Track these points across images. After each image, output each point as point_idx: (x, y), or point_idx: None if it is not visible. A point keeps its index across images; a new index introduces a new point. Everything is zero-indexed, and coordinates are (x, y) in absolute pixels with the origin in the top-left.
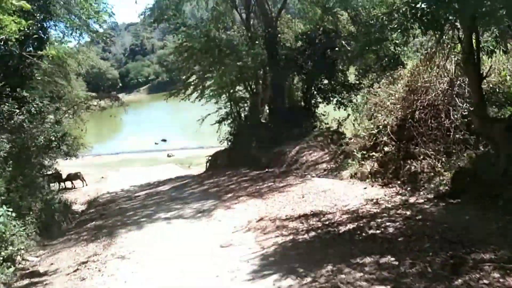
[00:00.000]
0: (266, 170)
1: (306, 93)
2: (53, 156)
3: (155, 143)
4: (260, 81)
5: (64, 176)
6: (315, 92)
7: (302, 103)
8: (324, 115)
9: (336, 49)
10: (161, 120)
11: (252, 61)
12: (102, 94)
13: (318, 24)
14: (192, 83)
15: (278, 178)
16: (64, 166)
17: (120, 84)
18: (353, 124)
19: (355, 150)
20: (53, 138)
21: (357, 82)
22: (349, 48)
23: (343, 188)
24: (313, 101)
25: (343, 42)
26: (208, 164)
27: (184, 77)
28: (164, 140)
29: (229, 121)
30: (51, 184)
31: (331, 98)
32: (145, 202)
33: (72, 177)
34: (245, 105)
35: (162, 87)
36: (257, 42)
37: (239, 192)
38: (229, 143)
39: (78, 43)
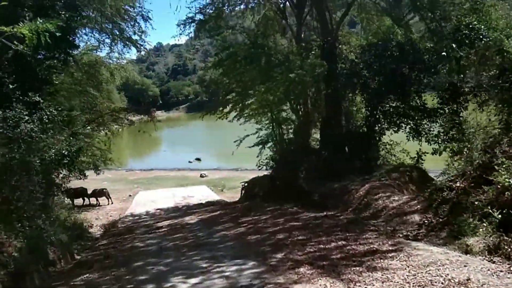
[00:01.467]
0: (325, 214)
1: (369, 116)
2: (65, 174)
3: (189, 161)
4: (312, 100)
5: (89, 192)
6: (380, 116)
7: (364, 129)
8: (390, 144)
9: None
10: (197, 138)
11: (307, 74)
12: (133, 107)
13: (385, 35)
14: (232, 100)
15: (350, 233)
16: (93, 180)
17: (160, 102)
18: (450, 157)
19: (478, 202)
20: (66, 153)
21: (438, 107)
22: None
23: (496, 280)
24: (377, 127)
25: (425, 58)
26: (243, 191)
27: (223, 92)
28: (198, 159)
29: (269, 144)
30: (75, 200)
31: (402, 125)
32: (164, 242)
33: (97, 193)
34: (289, 127)
35: (201, 106)
36: (313, 52)
37: (294, 251)
38: (270, 170)
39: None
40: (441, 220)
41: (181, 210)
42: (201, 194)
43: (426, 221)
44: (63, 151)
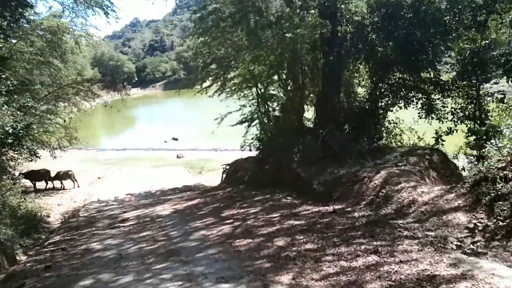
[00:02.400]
0: (333, 209)
1: (374, 89)
2: (12, 156)
3: (165, 141)
4: (308, 70)
5: (52, 174)
6: (387, 89)
7: (367, 104)
8: (396, 123)
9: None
10: (174, 117)
11: (305, 36)
12: (98, 79)
13: None
14: (212, 73)
15: (377, 241)
16: (61, 161)
17: (136, 79)
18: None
19: None
20: (10, 130)
21: (453, 79)
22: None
23: None
24: (382, 102)
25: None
26: (224, 174)
27: (201, 63)
28: (175, 139)
29: (254, 123)
30: (37, 183)
31: (414, 100)
32: (127, 244)
33: (62, 176)
34: (278, 104)
35: (178, 83)
36: (311, 11)
37: (305, 272)
38: (256, 152)
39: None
40: (501, 223)
41: (154, 196)
42: (177, 176)
43: (478, 224)
44: (7, 128)
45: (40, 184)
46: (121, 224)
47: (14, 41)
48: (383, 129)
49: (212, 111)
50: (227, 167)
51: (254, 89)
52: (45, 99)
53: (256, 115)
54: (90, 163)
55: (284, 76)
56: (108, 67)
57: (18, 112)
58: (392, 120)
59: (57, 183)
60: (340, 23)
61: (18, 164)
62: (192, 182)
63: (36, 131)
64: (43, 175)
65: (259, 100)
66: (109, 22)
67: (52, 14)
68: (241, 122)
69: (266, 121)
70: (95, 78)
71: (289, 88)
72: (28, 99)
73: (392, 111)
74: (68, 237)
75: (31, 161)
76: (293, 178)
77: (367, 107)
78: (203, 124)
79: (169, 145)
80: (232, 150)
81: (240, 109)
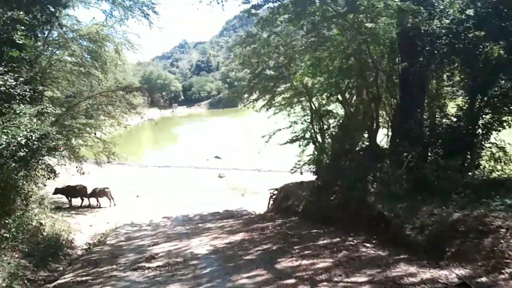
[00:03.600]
0: (459, 279)
1: (471, 103)
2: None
3: (207, 160)
4: (383, 79)
5: (89, 191)
6: (489, 103)
7: (461, 123)
8: (502, 146)
9: None
10: (217, 135)
11: (390, 27)
12: (132, 87)
13: None
14: (260, 86)
15: None
16: (99, 177)
17: (182, 97)
18: None
19: None
20: (23, 142)
21: None
22: None
23: None
24: (482, 120)
25: None
26: (271, 200)
27: (249, 74)
28: (217, 157)
29: (305, 142)
30: (73, 200)
31: None
32: None
33: (98, 193)
34: (332, 121)
35: (223, 103)
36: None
37: None
38: (314, 175)
39: None
40: None
41: (192, 222)
42: (218, 198)
43: None
44: (19, 139)
45: (76, 201)
46: (147, 265)
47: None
48: (482, 154)
49: (257, 130)
50: (275, 191)
51: (305, 104)
52: (84, 112)
53: (309, 134)
54: (130, 180)
55: (347, 86)
56: (156, 86)
57: (34, 120)
58: (496, 142)
59: (93, 201)
60: (431, 15)
61: (34, 182)
62: (234, 206)
63: (54, 143)
64: (79, 191)
65: (313, 116)
66: (150, 26)
67: (94, 23)
68: (291, 141)
69: (320, 140)
70: (131, 86)
71: (353, 101)
72: (48, 104)
73: (497, 130)
74: (82, 276)
75: (49, 178)
76: (370, 216)
77: (462, 125)
78: (246, 144)
79: (211, 164)
80: (277, 171)
81: (290, 126)
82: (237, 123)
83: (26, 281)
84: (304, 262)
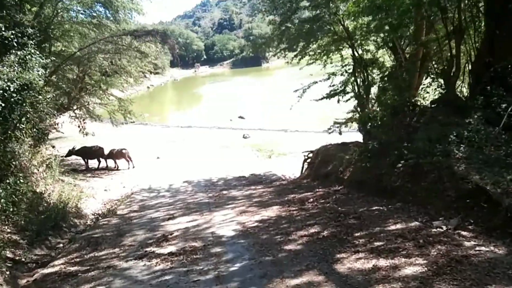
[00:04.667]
0: None
1: None
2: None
3: (230, 120)
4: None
5: (106, 152)
6: None
7: None
8: None
9: None
10: (240, 95)
11: None
12: (137, 32)
13: None
14: (294, 31)
15: None
16: (119, 137)
17: (205, 57)
18: None
19: None
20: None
21: None
22: None
23: None
24: None
25: None
26: (306, 164)
27: (280, 16)
28: (241, 117)
29: (346, 96)
30: (90, 161)
31: None
32: None
33: (115, 154)
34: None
35: (246, 62)
36: None
37: None
38: (367, 138)
39: None
40: None
41: (214, 189)
42: (244, 160)
43: None
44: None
45: (92, 163)
46: (156, 250)
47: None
48: None
49: (282, 89)
50: (310, 154)
51: (345, 51)
52: (98, 68)
53: (351, 87)
54: (152, 140)
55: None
56: (177, 44)
57: (16, 69)
58: None
59: (111, 162)
60: None
61: (20, 146)
62: (261, 169)
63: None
64: (95, 152)
65: (356, 66)
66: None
67: None
68: (329, 96)
69: (363, 94)
70: (140, 30)
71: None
72: (34, 50)
73: None
74: (74, 265)
75: (38, 140)
76: (461, 190)
77: None
78: (271, 103)
79: (235, 124)
80: (305, 131)
81: (328, 78)
82: (261, 82)
83: (10, 264)
84: (380, 263)
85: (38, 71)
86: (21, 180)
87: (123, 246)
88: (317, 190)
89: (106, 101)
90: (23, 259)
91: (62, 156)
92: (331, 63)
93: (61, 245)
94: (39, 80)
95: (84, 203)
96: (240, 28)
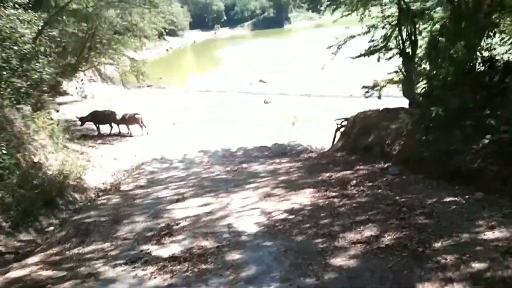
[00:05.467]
0: None
1: None
2: None
3: (250, 84)
4: None
5: (118, 117)
6: None
7: None
8: None
9: None
10: (261, 58)
11: None
12: None
13: None
14: None
15: None
16: (136, 100)
17: (225, 18)
18: None
19: None
20: None
21: None
22: None
23: None
24: None
25: None
26: (338, 134)
27: None
28: (262, 81)
29: (390, 54)
30: (102, 127)
31: None
32: None
33: (128, 119)
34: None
35: (267, 24)
36: None
37: None
38: (421, 104)
39: None
40: None
41: (233, 161)
42: (265, 127)
43: None
44: None
45: (105, 128)
46: (154, 251)
47: None
48: None
49: (305, 51)
50: (344, 122)
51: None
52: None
53: (395, 42)
54: (169, 105)
55: None
56: (197, 5)
57: None
58: None
59: (123, 128)
60: None
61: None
62: (285, 138)
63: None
64: (107, 117)
65: (401, 17)
66: None
67: None
68: (369, 53)
69: (410, 53)
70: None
71: None
72: None
73: None
74: (49, 267)
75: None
76: None
77: None
78: (293, 67)
79: (255, 89)
80: (330, 96)
81: (368, 31)
82: (283, 44)
83: None
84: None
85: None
86: (4, 151)
87: (116, 239)
88: (359, 167)
89: (118, 61)
90: (1, 248)
91: (72, 121)
92: (369, 15)
93: (52, 227)
94: (25, 29)
95: (89, 174)
96: None
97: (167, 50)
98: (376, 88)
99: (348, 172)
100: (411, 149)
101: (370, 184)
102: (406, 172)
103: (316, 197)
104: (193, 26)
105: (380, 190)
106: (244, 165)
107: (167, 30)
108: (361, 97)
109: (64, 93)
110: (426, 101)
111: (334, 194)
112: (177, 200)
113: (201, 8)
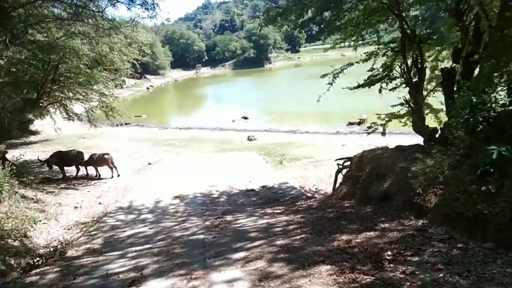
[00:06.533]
0: None
1: None
2: None
3: (233, 121)
4: None
5: (86, 158)
6: None
7: None
8: None
9: None
10: (243, 96)
11: None
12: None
13: None
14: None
15: None
16: (113, 139)
17: (206, 57)
18: None
19: None
20: None
21: None
22: None
23: None
24: None
25: None
26: (340, 176)
27: None
28: (245, 118)
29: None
30: (66, 168)
31: None
32: None
33: (96, 160)
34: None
35: (248, 63)
36: None
37: None
38: (470, 148)
39: None
40: None
41: (214, 211)
42: (251, 167)
43: None
44: None
45: (67, 169)
46: None
47: None
48: None
49: (285, 90)
50: (344, 163)
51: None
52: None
53: (399, 70)
54: (146, 143)
55: None
56: (179, 45)
57: None
58: None
59: (91, 170)
60: None
61: None
62: (274, 179)
63: None
64: (73, 158)
65: (406, 42)
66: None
67: None
68: (369, 83)
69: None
70: (170, 59)
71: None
72: None
73: None
74: None
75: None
76: None
77: None
78: (275, 104)
79: (238, 125)
80: (314, 132)
81: (367, 58)
82: (263, 85)
83: None
84: None
85: None
86: None
87: None
88: (383, 225)
89: (86, 97)
90: None
91: (35, 163)
92: (364, 41)
93: None
94: None
95: (39, 229)
96: (242, 29)
97: (147, 88)
98: (380, 123)
99: (372, 234)
100: (458, 203)
101: (417, 259)
102: (458, 237)
103: (340, 285)
104: (174, 65)
105: (441, 274)
106: (228, 217)
107: (139, 61)
108: (348, 134)
109: (36, 132)
110: (470, 137)
111: (367, 279)
112: (132, 283)
113: (182, 48)
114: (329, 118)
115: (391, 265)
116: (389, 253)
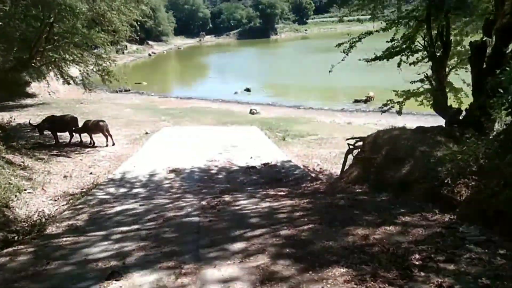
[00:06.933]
0: None
1: None
2: None
3: (235, 93)
4: None
5: (81, 124)
6: None
7: None
8: None
9: None
10: (248, 67)
11: None
12: None
13: None
14: None
15: None
16: (113, 105)
17: (211, 25)
18: None
19: None
20: None
21: None
22: None
23: None
24: None
25: None
26: (351, 157)
27: None
28: (247, 90)
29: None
30: (58, 134)
31: None
32: None
33: (90, 127)
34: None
35: (253, 33)
36: None
37: None
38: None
39: None
40: None
41: (211, 189)
42: (252, 142)
43: None
44: None
45: (61, 135)
46: None
47: None
48: None
49: (291, 62)
50: (356, 144)
51: None
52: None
53: (423, 42)
54: (146, 111)
55: None
56: (183, 11)
57: None
58: None
59: (85, 137)
60: None
61: None
62: (276, 156)
63: None
64: (66, 123)
65: (432, 11)
66: None
67: None
68: (388, 55)
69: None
70: (175, 26)
71: None
72: None
73: None
74: None
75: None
76: None
77: None
78: (279, 75)
79: (240, 97)
80: (319, 108)
81: (387, 27)
82: (268, 56)
83: None
84: None
85: None
86: None
87: None
88: (403, 218)
89: (81, 58)
90: None
91: (30, 126)
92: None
93: None
94: None
95: (23, 199)
96: None
97: (149, 54)
98: (396, 101)
99: (392, 229)
100: (499, 199)
101: (453, 267)
102: (498, 240)
103: None
104: (178, 32)
105: None
106: (227, 198)
107: (140, 24)
108: (353, 111)
109: (33, 95)
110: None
111: None
112: (111, 276)
113: (186, 15)
114: (334, 94)
115: (422, 274)
116: (417, 256)
